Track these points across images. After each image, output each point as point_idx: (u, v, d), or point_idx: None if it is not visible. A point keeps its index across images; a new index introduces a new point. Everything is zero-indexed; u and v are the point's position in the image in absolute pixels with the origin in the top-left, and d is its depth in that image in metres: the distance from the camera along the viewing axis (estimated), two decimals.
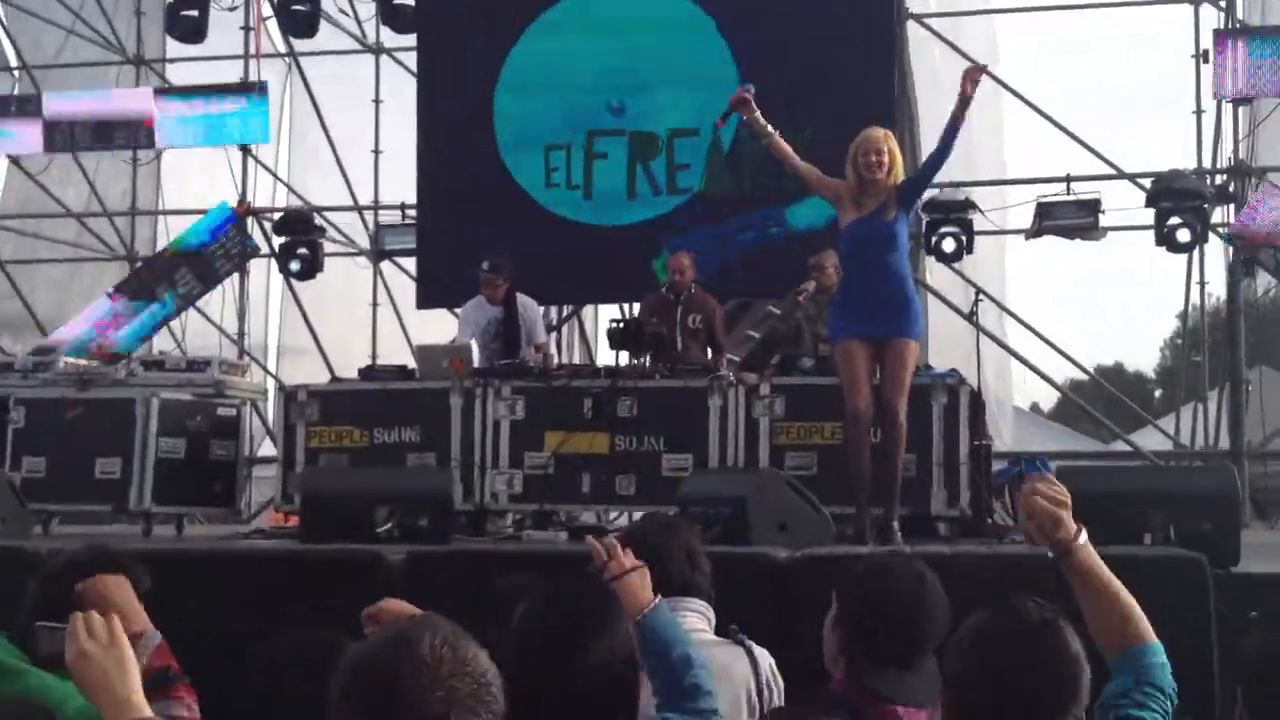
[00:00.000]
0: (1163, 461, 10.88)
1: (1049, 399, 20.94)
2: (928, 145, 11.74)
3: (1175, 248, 10.49)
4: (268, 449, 11.25)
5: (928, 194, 11.07)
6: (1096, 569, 2.43)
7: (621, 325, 8.22)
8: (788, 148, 6.38)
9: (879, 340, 6.19)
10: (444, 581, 4.70)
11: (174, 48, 13.74)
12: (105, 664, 2.05)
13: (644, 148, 10.59)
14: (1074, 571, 2.42)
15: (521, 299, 8.50)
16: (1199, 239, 10.54)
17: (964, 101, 6.05)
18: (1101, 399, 12.39)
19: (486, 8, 10.98)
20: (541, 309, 9.06)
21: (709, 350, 8.47)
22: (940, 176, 11.34)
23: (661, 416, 7.43)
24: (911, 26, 11.53)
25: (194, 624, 3.24)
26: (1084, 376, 12.58)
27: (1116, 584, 2.43)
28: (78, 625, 2.09)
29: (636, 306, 9.07)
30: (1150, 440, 11.94)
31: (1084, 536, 2.40)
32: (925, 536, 6.64)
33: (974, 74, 6.18)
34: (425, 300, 11.34)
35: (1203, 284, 11.60)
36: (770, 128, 6.34)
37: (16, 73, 14.48)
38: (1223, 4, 11.28)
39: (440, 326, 11.68)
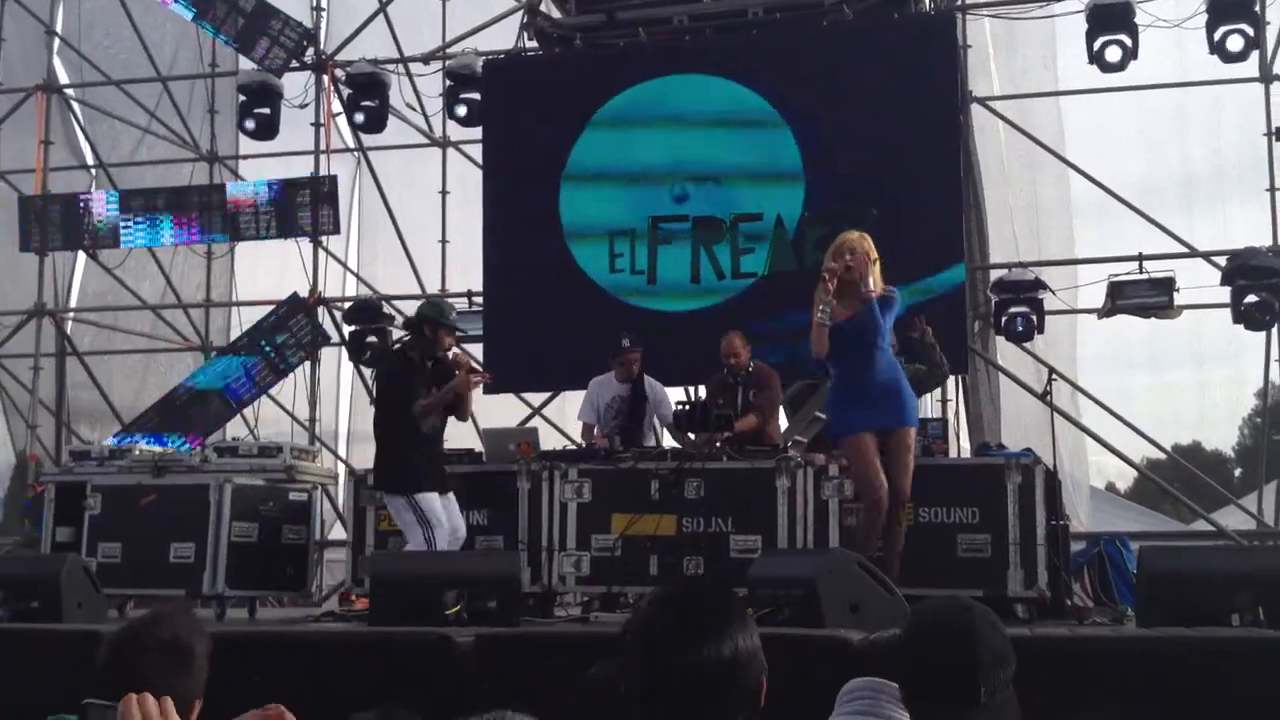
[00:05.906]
0: (1247, 541, 10.61)
1: (1124, 479, 20.54)
2: (994, 226, 11.73)
3: (1253, 325, 10.33)
4: (338, 533, 11.29)
5: (996, 273, 11.08)
6: None
7: (687, 408, 8.21)
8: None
9: (886, 432, 6.53)
10: (512, 664, 4.66)
11: (246, 144, 14.07)
12: None
13: (708, 233, 10.61)
14: None
15: (649, 380, 8.50)
16: (1278, 316, 10.36)
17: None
18: (1179, 478, 12.10)
19: (550, 100, 11.12)
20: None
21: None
22: (1009, 257, 11.40)
23: (729, 498, 7.38)
24: (977, 109, 11.54)
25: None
26: (1160, 455, 12.33)
27: None
28: (131, 707, 2.05)
29: (703, 390, 8.98)
30: (1232, 520, 11.65)
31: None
32: (1003, 619, 6.48)
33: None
34: (491, 385, 11.35)
35: None
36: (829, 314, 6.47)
37: (93, 170, 14.88)
38: None
39: (507, 411, 11.74)
